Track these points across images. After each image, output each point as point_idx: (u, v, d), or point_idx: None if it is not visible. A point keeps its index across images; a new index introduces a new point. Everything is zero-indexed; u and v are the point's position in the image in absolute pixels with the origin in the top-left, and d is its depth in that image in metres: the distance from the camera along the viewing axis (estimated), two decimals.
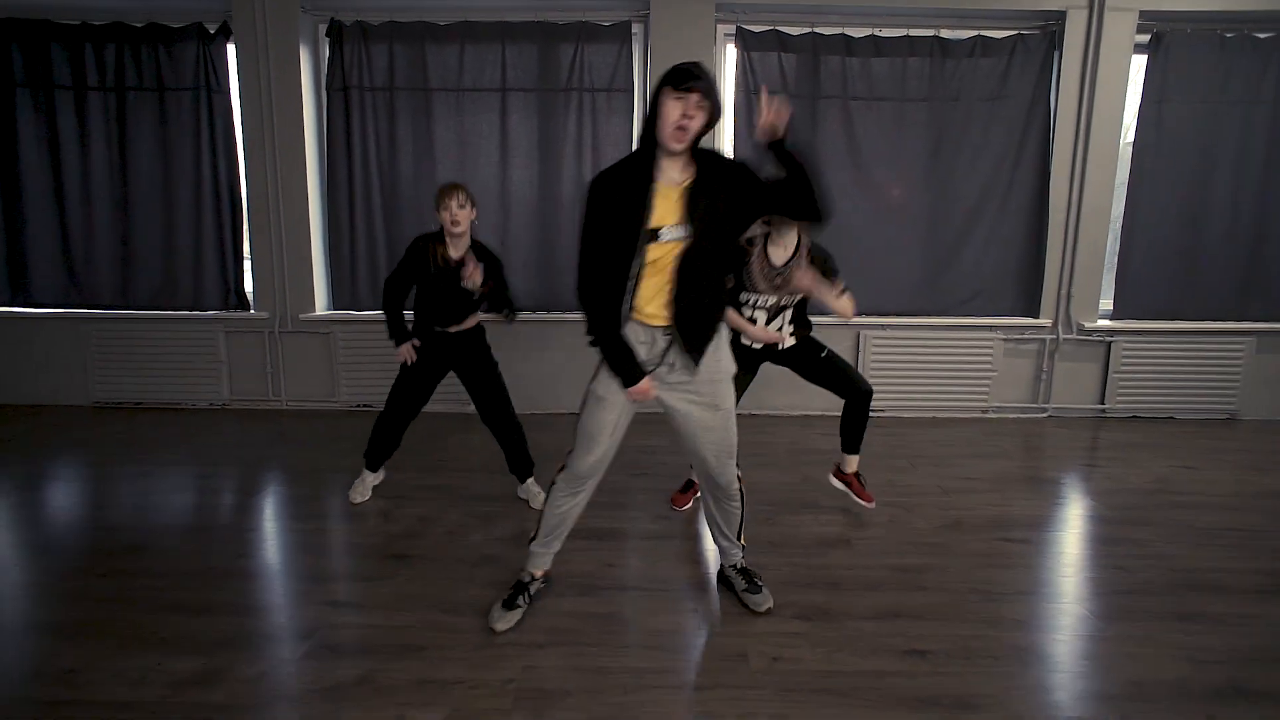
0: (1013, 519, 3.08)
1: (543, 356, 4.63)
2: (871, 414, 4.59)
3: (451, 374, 3.16)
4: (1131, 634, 2.20)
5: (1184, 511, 3.17)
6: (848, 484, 3.13)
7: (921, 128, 4.47)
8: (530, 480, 3.24)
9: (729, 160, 2.03)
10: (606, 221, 1.98)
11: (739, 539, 2.41)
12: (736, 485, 2.31)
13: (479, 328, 3.10)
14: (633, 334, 2.07)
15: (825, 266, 2.74)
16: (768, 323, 2.81)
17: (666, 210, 1.96)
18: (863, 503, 3.11)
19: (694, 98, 1.86)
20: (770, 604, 2.33)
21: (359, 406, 4.74)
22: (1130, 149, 4.47)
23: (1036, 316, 4.64)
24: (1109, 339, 4.66)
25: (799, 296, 2.80)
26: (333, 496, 3.27)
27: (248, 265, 4.68)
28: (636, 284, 2.00)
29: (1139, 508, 3.21)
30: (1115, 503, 3.28)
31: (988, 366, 4.67)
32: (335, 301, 4.74)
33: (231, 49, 4.42)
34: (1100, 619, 2.29)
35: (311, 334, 4.68)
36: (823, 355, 2.94)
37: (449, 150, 4.51)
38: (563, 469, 2.26)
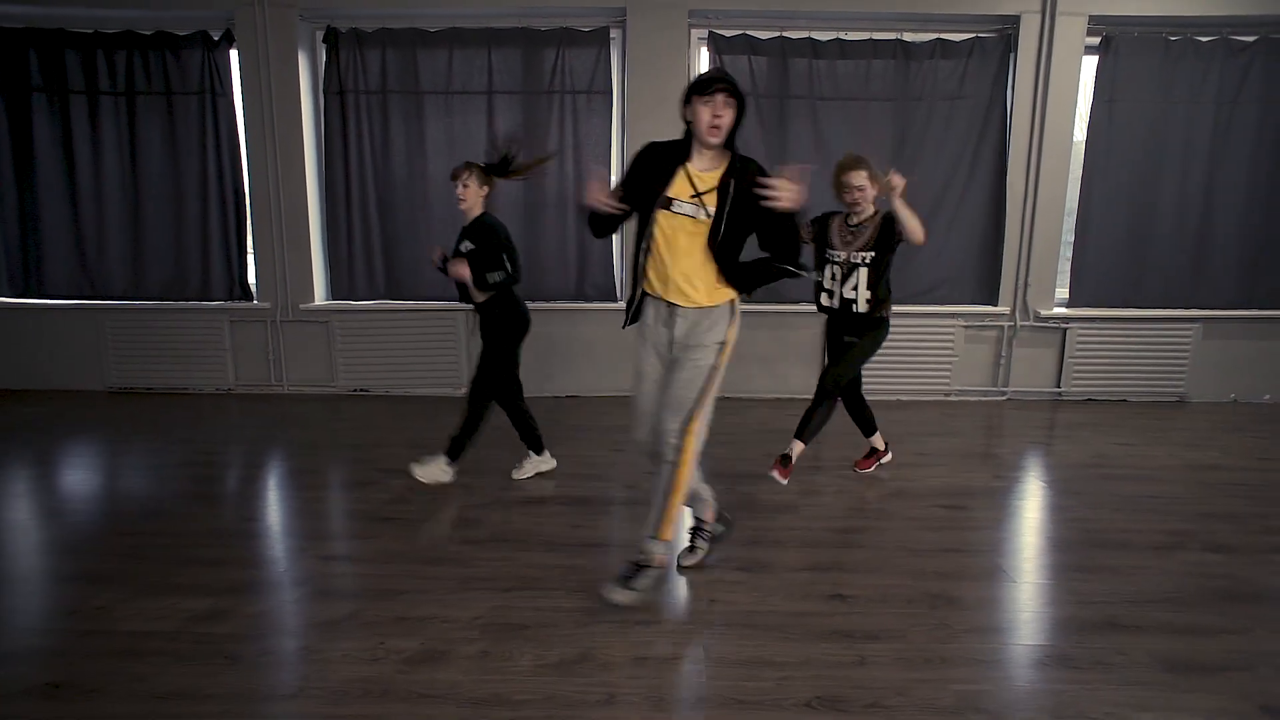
0: (954, 489, 3.35)
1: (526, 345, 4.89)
2: None
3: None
4: (1033, 583, 2.48)
5: (1113, 483, 3.44)
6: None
7: (886, 126, 4.73)
8: (434, 458, 3.29)
9: (758, 169, 2.24)
10: (637, 178, 2.27)
11: (656, 525, 2.28)
12: (671, 443, 2.22)
13: (489, 304, 3.22)
14: (648, 309, 2.33)
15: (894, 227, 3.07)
16: (843, 280, 3.16)
17: (686, 188, 2.21)
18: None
19: (719, 97, 2.13)
20: (622, 599, 2.24)
21: (356, 391, 5.04)
22: (1083, 146, 4.72)
23: (995, 304, 4.91)
24: (1064, 325, 4.91)
25: (870, 257, 3.10)
26: (330, 471, 3.56)
27: (251, 258, 4.96)
28: (649, 249, 2.26)
29: (1073, 480, 3.48)
30: (1053, 476, 3.55)
31: (949, 352, 4.94)
32: (333, 292, 5.02)
33: (234, 55, 4.70)
34: (1008, 571, 2.56)
35: (311, 323, 4.97)
36: (847, 339, 3.26)
37: (439, 149, 4.79)
38: None
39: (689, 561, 2.58)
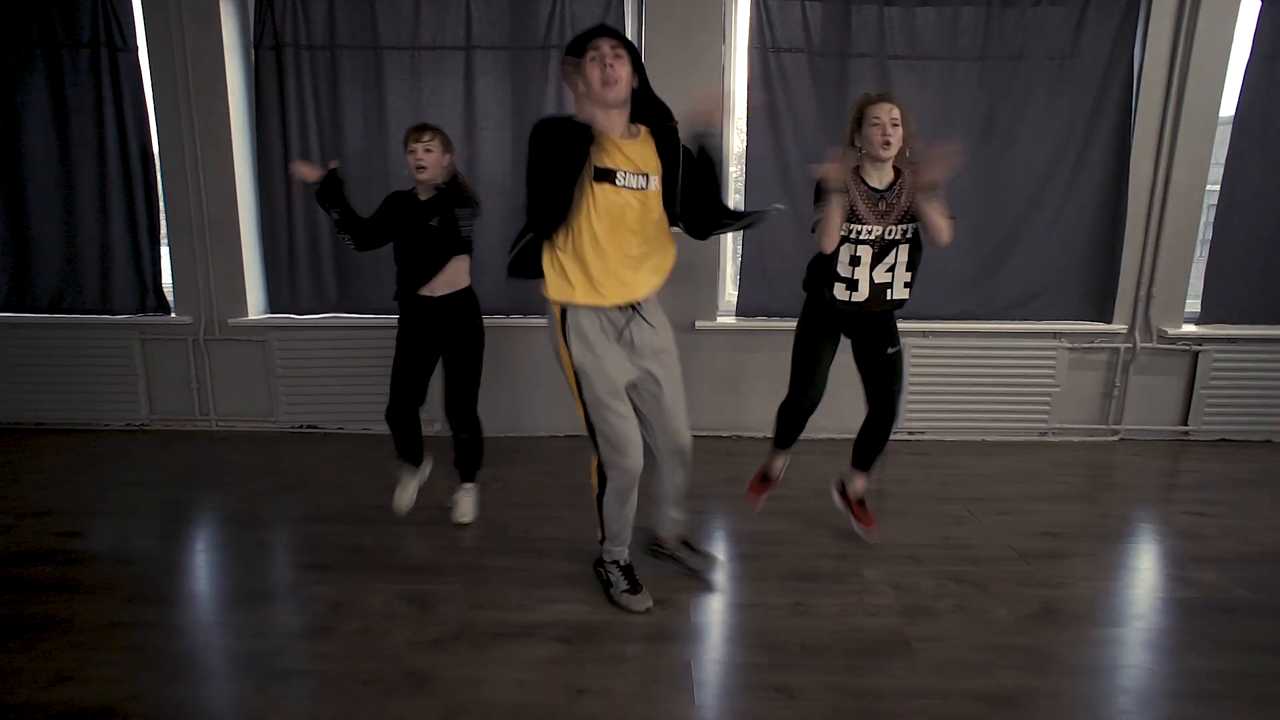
0: (1122, 602, 2.33)
1: (515, 370, 3.87)
2: (911, 437, 3.88)
3: None
4: None
5: None
6: (849, 508, 2.78)
7: (974, 92, 3.69)
8: (470, 486, 2.92)
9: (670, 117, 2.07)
10: (549, 163, 1.93)
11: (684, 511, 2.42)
12: (690, 442, 2.28)
13: (468, 295, 2.74)
14: (587, 323, 2.04)
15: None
16: (875, 262, 2.44)
17: (622, 159, 1.98)
18: (864, 530, 2.73)
19: (604, 46, 1.91)
20: (714, 560, 2.44)
21: (302, 427, 4.01)
22: (1232, 118, 3.67)
23: (1109, 321, 3.88)
24: (1196, 348, 3.88)
25: (912, 229, 2.44)
26: (245, 564, 2.54)
27: (166, 260, 3.93)
28: (575, 243, 1.99)
29: None
30: (1254, 578, 2.47)
31: (1049, 381, 3.91)
32: (272, 304, 3.99)
33: None
34: None
35: (244, 342, 3.94)
36: (890, 351, 2.57)
37: (404, 120, 3.70)
38: (603, 482, 2.17)
39: (648, 604, 2.25)
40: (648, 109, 2.07)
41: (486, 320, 2.80)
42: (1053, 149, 3.73)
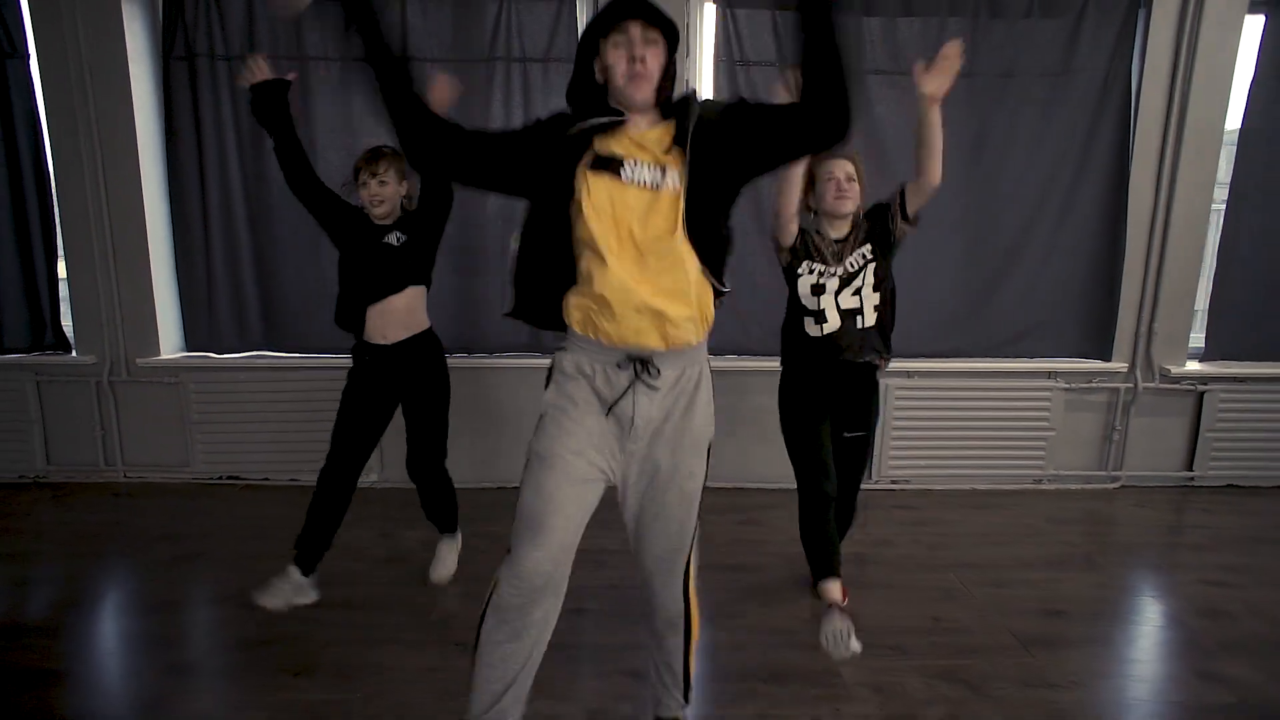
0: (1143, 714, 1.98)
1: (463, 414, 3.48)
2: (895, 487, 3.58)
3: None
4: None
5: None
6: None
7: (961, 111, 3.38)
8: (453, 536, 2.65)
9: (715, 101, 1.53)
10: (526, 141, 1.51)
11: (684, 683, 1.69)
12: (682, 611, 1.62)
13: (429, 339, 2.41)
14: (575, 367, 1.48)
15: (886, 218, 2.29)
16: (841, 287, 2.25)
17: (633, 149, 1.44)
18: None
19: (634, 31, 1.40)
20: None
21: (222, 478, 3.60)
22: (1238, 138, 3.40)
23: (1108, 359, 3.57)
24: (1201, 388, 3.58)
25: (870, 249, 2.27)
26: (115, 668, 2.13)
27: (65, 292, 3.52)
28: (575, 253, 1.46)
29: None
30: None
31: (1043, 424, 3.59)
32: (188, 341, 3.60)
33: None
34: None
35: (156, 384, 3.53)
36: (848, 435, 2.37)
37: (334, 139, 3.38)
38: (492, 590, 1.47)
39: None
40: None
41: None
42: (1046, 173, 3.43)
